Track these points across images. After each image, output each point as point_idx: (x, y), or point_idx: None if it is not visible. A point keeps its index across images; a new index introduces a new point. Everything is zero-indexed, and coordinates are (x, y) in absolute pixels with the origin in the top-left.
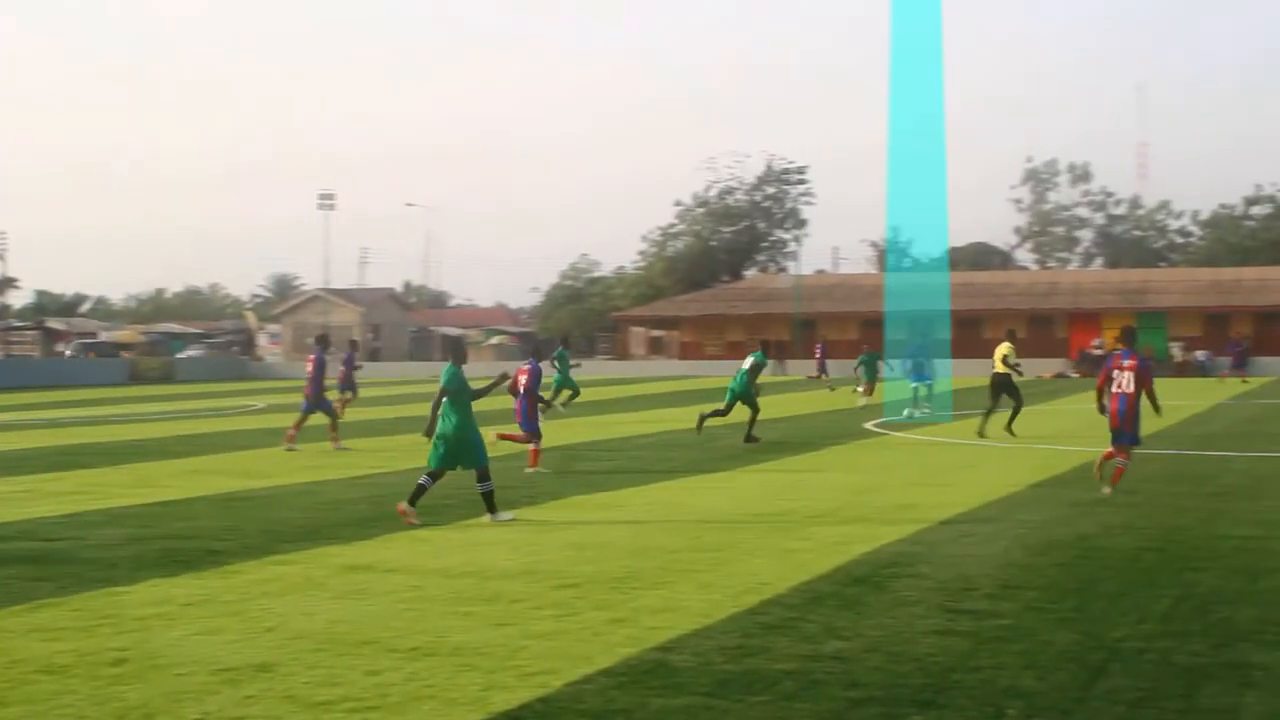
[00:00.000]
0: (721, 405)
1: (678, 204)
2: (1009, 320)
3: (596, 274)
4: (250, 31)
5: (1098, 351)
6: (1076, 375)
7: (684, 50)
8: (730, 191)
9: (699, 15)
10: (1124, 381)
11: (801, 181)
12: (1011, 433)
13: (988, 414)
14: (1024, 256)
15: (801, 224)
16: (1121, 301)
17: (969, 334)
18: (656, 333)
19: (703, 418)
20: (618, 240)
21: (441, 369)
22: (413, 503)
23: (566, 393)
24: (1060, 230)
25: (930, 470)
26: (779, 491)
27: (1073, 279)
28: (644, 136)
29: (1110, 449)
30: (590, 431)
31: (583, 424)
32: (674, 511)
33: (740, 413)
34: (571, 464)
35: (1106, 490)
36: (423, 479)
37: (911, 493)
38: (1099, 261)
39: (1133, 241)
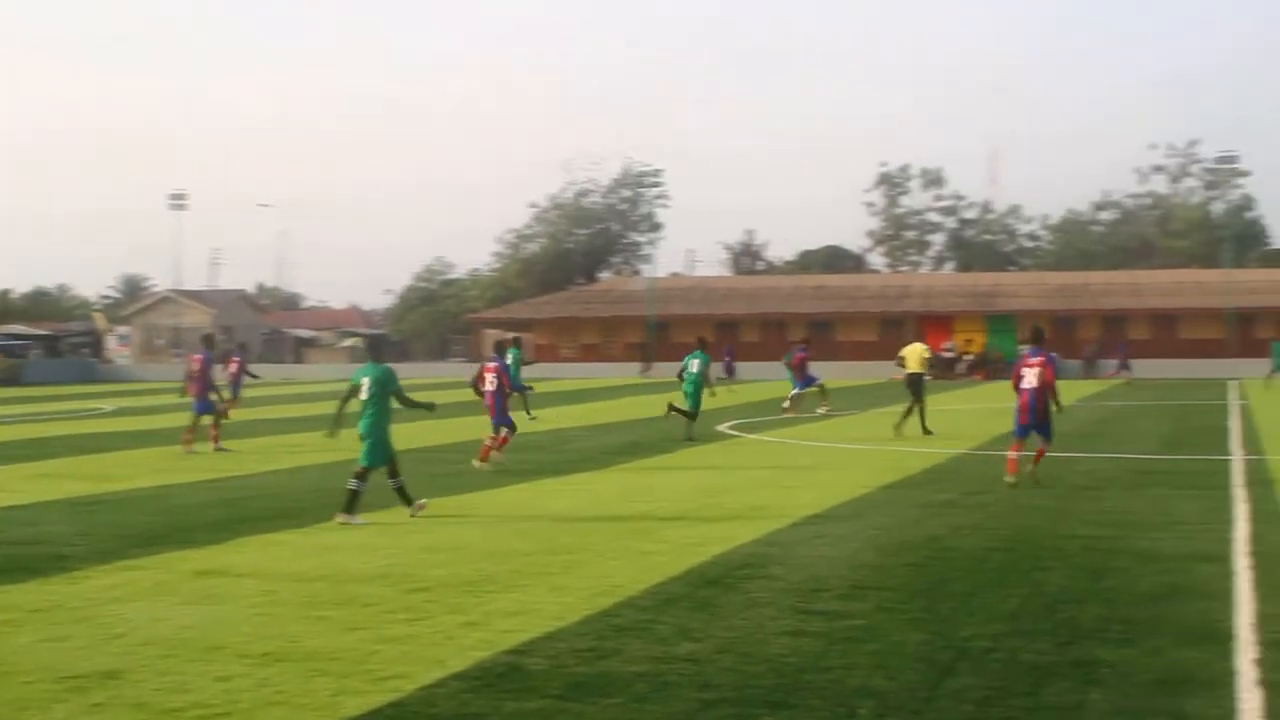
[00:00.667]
0: (688, 407)
1: (533, 206)
2: (862, 323)
3: (451, 276)
4: (92, 21)
5: (948, 354)
6: (929, 378)
7: (538, 49)
8: (586, 193)
9: (552, 13)
10: (1031, 378)
11: (657, 184)
12: (927, 431)
13: (909, 412)
14: (876, 260)
15: (656, 227)
16: (972, 304)
17: (822, 337)
18: (511, 335)
19: (671, 407)
20: (473, 241)
21: (358, 370)
22: (409, 502)
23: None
24: (912, 234)
25: (784, 472)
26: (634, 493)
27: (924, 282)
28: (501, 133)
29: (1015, 446)
30: (444, 434)
31: (435, 426)
32: (528, 514)
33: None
34: (425, 466)
35: (1025, 475)
36: (393, 483)
37: (765, 494)
38: (950, 265)
39: (984, 245)
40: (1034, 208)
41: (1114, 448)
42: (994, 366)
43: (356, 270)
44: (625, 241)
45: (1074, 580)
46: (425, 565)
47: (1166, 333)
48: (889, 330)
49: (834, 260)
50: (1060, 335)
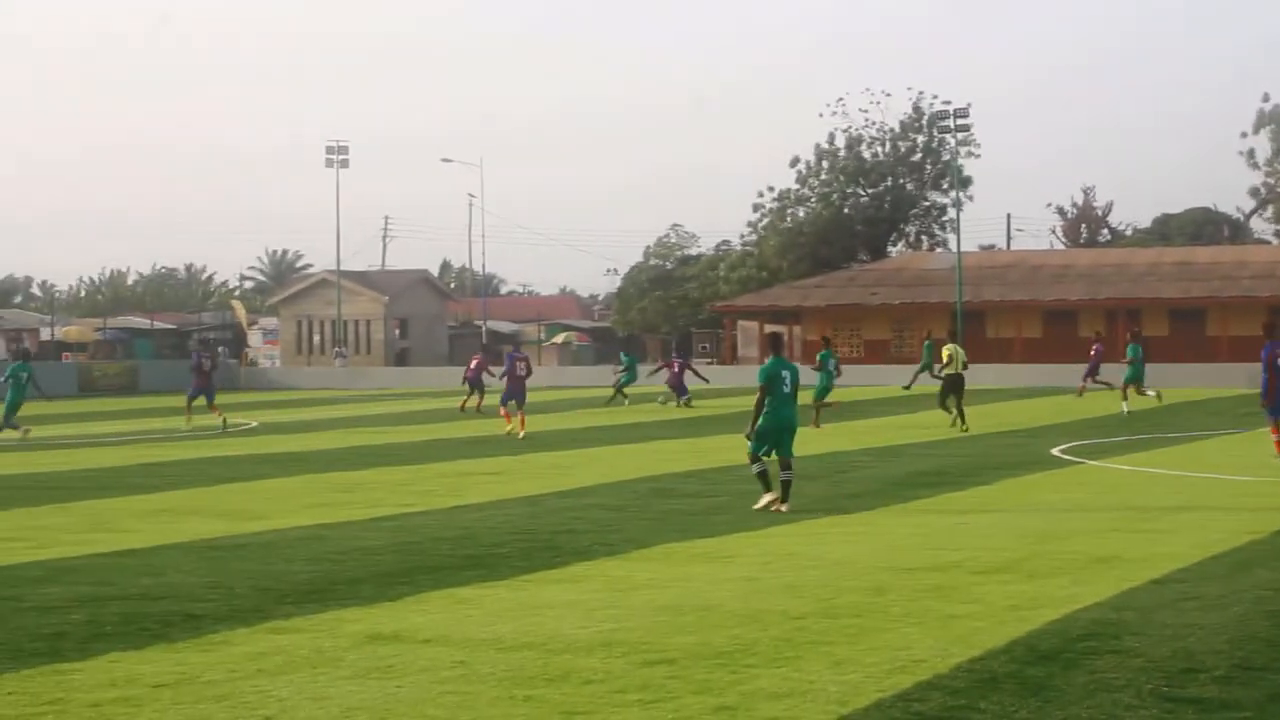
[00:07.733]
0: None
1: (796, 162)
2: (1242, 311)
3: (692, 251)
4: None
5: None
6: None
7: None
8: (860, 141)
9: None
10: None
11: (963, 128)
12: None
13: None
14: (1263, 227)
15: (965, 183)
16: None
17: (1188, 329)
18: (773, 328)
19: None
20: (721, 207)
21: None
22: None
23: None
24: None
25: (1138, 512)
26: (936, 538)
27: None
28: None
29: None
30: (685, 458)
31: (676, 447)
32: (798, 564)
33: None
34: (661, 499)
35: None
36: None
37: (1113, 541)
38: None
39: None
40: None
41: None
42: None
43: (570, 247)
44: (922, 205)
45: None
46: (664, 630)
47: None
48: None
49: (1204, 228)
50: None
